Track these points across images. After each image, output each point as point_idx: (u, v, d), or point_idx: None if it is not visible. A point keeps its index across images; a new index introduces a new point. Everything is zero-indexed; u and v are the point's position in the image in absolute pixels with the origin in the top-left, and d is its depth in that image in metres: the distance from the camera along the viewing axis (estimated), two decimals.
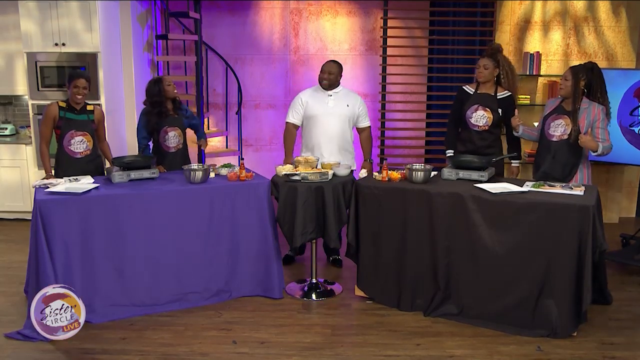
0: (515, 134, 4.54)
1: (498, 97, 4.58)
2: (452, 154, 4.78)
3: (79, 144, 4.55)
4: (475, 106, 4.60)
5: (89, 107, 4.62)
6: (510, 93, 4.61)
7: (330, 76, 4.77)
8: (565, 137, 4.26)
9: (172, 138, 4.79)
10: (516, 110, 4.53)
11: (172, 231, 4.08)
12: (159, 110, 4.69)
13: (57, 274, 3.78)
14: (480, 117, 4.58)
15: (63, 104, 4.52)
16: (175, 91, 4.81)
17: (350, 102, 4.85)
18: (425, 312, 4.08)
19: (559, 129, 4.29)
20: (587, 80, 4.23)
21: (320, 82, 4.82)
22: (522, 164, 6.57)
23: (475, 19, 6.65)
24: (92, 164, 4.64)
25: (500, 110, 4.56)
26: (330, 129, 4.80)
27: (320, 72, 4.82)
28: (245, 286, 4.36)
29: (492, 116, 4.56)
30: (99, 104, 5.87)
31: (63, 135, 4.51)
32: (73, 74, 4.53)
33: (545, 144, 4.38)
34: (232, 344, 3.69)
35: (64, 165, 4.55)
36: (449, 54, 6.79)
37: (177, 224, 4.08)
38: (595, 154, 4.19)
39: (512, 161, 4.71)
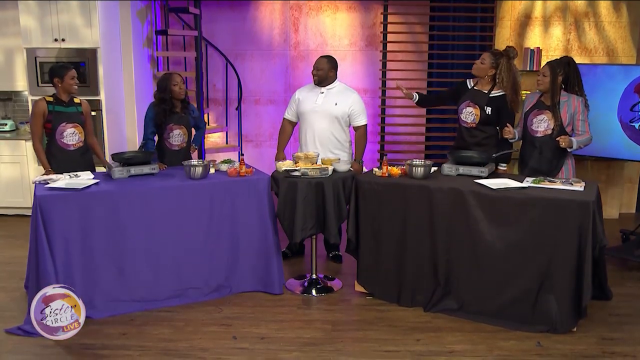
0: (513, 140, 4.50)
1: (490, 95, 4.49)
2: (417, 97, 4.86)
3: (72, 136, 4.56)
4: (467, 102, 4.55)
5: (76, 100, 4.64)
6: (504, 93, 4.46)
7: (319, 72, 4.74)
8: (549, 132, 4.29)
9: (177, 136, 4.77)
10: (508, 126, 4.39)
11: (172, 227, 4.08)
12: (164, 107, 4.68)
13: (57, 269, 3.78)
14: (468, 114, 4.53)
15: (50, 99, 4.53)
16: (182, 93, 4.70)
17: (341, 100, 4.72)
18: (425, 308, 4.08)
19: (542, 124, 4.32)
20: (565, 75, 4.30)
21: (313, 78, 4.82)
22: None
23: (476, 14, 6.64)
24: (85, 157, 4.66)
25: (489, 109, 4.45)
26: (316, 126, 4.75)
27: (312, 67, 4.81)
28: (245, 282, 4.36)
29: (479, 113, 4.47)
30: (98, 100, 5.88)
31: (55, 128, 4.50)
32: (64, 66, 4.55)
33: (530, 139, 4.40)
34: (232, 340, 3.69)
35: (58, 159, 4.54)
36: (449, 50, 6.78)
37: (177, 219, 4.08)
38: (571, 149, 4.25)
39: (499, 164, 4.46)
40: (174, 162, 4.73)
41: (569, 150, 4.27)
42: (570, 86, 4.34)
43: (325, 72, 4.74)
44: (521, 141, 4.54)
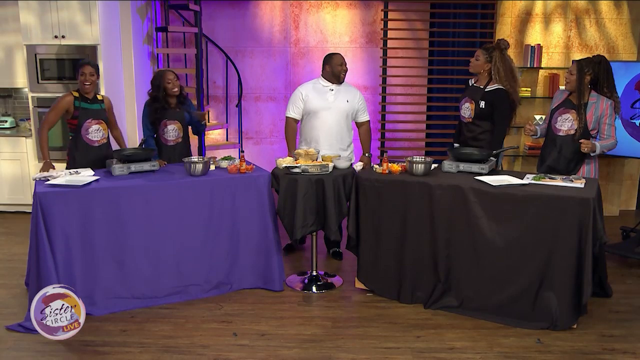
0: (535, 137, 4.49)
1: (486, 90, 4.48)
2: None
3: (96, 133, 4.61)
4: (465, 98, 4.58)
5: (99, 97, 4.67)
6: (500, 87, 4.43)
7: (345, 67, 4.80)
8: (572, 132, 4.21)
9: (171, 131, 4.77)
10: (530, 123, 4.42)
11: (173, 224, 4.08)
12: (156, 104, 4.68)
13: (57, 266, 3.78)
14: (465, 109, 4.56)
15: (76, 94, 4.55)
16: (175, 90, 4.69)
17: (350, 97, 4.82)
18: (425, 305, 4.09)
19: (566, 123, 4.24)
20: (594, 75, 4.18)
21: (337, 75, 4.76)
22: (524, 156, 6.58)
23: (476, 11, 6.63)
24: (107, 153, 4.69)
25: (483, 103, 4.44)
26: (330, 123, 4.78)
27: (334, 64, 4.76)
28: (245, 278, 4.36)
29: (474, 108, 4.49)
30: None
31: (81, 125, 4.53)
32: (79, 63, 4.58)
33: (552, 137, 4.34)
34: (233, 336, 3.70)
35: (82, 155, 4.57)
36: (449, 47, 6.77)
37: (177, 216, 4.09)
38: (594, 154, 4.18)
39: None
40: (171, 157, 4.73)
41: (592, 154, 4.18)
42: (599, 87, 4.21)
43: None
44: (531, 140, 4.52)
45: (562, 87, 4.54)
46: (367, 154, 4.94)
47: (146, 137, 4.75)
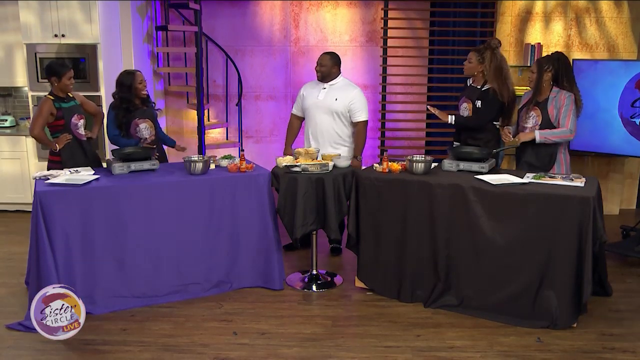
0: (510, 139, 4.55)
1: (482, 90, 4.53)
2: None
3: (82, 127, 4.63)
4: (463, 98, 4.64)
5: (70, 94, 4.65)
6: (492, 86, 4.48)
7: (322, 68, 4.75)
8: (537, 128, 4.29)
9: (144, 130, 4.73)
10: (507, 129, 4.44)
11: (173, 222, 4.08)
12: (127, 105, 4.64)
13: (57, 265, 3.78)
14: (463, 109, 4.62)
15: (51, 97, 4.52)
16: (144, 92, 4.71)
17: (341, 96, 4.70)
18: (425, 304, 4.09)
19: (530, 121, 4.34)
20: (554, 71, 4.29)
21: (316, 74, 4.84)
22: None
23: (476, 10, 6.62)
24: (93, 148, 4.69)
25: (479, 102, 4.50)
26: (319, 121, 4.77)
27: (316, 64, 4.84)
28: (245, 277, 4.37)
29: (471, 108, 4.54)
30: (99, 96, 5.88)
31: (69, 122, 4.52)
32: (63, 65, 4.54)
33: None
34: (233, 335, 3.70)
35: (76, 151, 4.55)
36: (449, 45, 6.76)
37: (177, 215, 4.09)
38: (538, 141, 4.22)
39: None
40: None
41: (537, 142, 4.24)
42: (560, 82, 4.32)
43: (328, 68, 4.75)
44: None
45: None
46: (357, 157, 4.75)
47: (114, 141, 4.69)
